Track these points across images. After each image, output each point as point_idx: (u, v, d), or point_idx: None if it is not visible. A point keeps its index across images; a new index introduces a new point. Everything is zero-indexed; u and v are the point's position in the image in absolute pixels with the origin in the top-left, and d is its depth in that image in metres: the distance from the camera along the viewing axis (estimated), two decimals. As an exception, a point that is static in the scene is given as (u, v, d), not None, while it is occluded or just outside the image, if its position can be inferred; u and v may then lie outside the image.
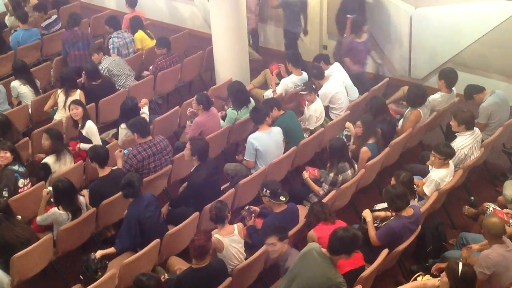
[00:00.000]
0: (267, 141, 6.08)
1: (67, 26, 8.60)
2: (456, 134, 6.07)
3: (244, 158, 6.19)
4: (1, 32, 9.10)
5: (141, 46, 8.61)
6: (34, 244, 4.98)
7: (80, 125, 6.52)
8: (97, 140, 6.48)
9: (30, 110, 7.35)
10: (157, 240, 5.04)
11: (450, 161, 5.63)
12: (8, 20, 9.52)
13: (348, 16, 7.82)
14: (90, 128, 6.51)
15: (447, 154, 5.53)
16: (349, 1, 8.07)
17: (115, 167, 5.92)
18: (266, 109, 6.18)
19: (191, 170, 5.69)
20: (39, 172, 6.17)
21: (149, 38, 8.68)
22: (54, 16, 9.51)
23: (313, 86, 6.77)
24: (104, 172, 5.66)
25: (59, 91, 7.13)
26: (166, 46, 7.96)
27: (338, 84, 7.04)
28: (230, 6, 7.58)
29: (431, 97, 6.71)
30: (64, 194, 5.30)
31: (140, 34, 8.63)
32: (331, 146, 5.70)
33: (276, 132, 6.22)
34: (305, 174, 5.90)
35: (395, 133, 6.43)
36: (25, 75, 7.45)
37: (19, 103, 7.50)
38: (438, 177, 5.51)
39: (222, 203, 4.95)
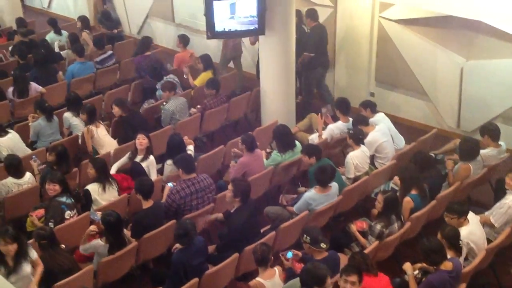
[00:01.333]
0: (323, 202, 6.02)
1: (138, 51, 8.88)
2: (506, 190, 5.90)
3: (294, 209, 6.10)
4: (58, 64, 9.47)
5: (199, 84, 8.78)
6: (76, 274, 5.04)
7: (141, 156, 6.66)
8: (154, 174, 6.57)
9: (79, 141, 7.54)
10: (195, 280, 5.02)
11: (470, 216, 5.46)
12: (66, 53, 9.89)
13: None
14: (153, 162, 6.67)
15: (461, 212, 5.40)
16: None
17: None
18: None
19: (232, 211, 5.69)
20: (82, 200, 6.28)
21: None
22: (109, 52, 9.84)
23: (360, 136, 6.73)
24: (147, 204, 5.74)
25: (90, 127, 7.27)
26: (215, 88, 8.08)
27: (384, 133, 6.98)
28: (280, 50, 7.70)
29: (482, 152, 6.57)
30: (113, 228, 5.36)
31: (208, 74, 8.77)
32: (387, 199, 5.58)
33: (334, 194, 6.11)
34: (353, 227, 5.81)
35: (442, 187, 6.32)
36: (78, 107, 7.67)
37: (70, 133, 7.71)
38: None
39: (267, 245, 4.92)
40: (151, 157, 6.70)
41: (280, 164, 6.79)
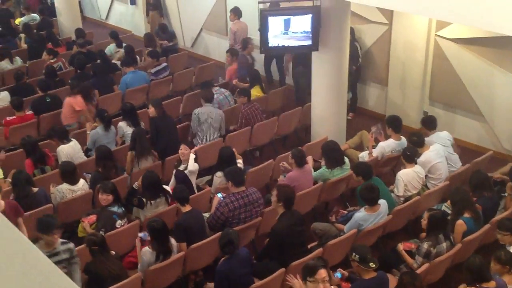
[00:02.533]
0: (373, 222, 5.95)
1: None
2: None
3: (344, 229, 6.02)
4: (114, 74, 9.72)
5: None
6: (124, 281, 5.11)
7: (185, 165, 6.76)
8: (193, 181, 6.68)
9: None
10: (240, 291, 5.02)
11: None
12: (119, 63, 10.12)
13: None
14: (194, 166, 6.76)
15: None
16: None
17: (208, 214, 6.03)
18: (375, 192, 5.95)
19: (277, 218, 5.68)
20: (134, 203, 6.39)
21: (262, 92, 8.95)
22: (164, 64, 10.04)
23: (413, 154, 6.61)
24: (186, 209, 5.84)
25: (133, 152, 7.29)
26: (246, 95, 8.18)
27: (438, 154, 6.82)
28: (332, 66, 7.68)
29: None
30: (157, 234, 5.44)
31: (256, 89, 8.83)
32: (431, 217, 5.48)
33: (384, 212, 6.02)
34: (400, 247, 5.70)
35: (497, 210, 6.12)
36: (132, 117, 7.83)
37: (123, 142, 7.88)
38: None
39: (321, 259, 4.88)
40: (191, 164, 6.75)
41: (328, 180, 6.74)
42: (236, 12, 10.22)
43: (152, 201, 6.24)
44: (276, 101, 9.09)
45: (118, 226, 5.93)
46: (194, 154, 6.91)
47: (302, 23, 7.49)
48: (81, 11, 13.59)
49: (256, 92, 8.86)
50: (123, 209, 6.08)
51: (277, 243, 5.55)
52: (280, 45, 7.61)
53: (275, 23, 7.51)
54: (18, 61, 10.35)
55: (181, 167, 6.80)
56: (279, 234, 5.53)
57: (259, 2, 7.70)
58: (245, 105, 8.15)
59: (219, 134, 7.97)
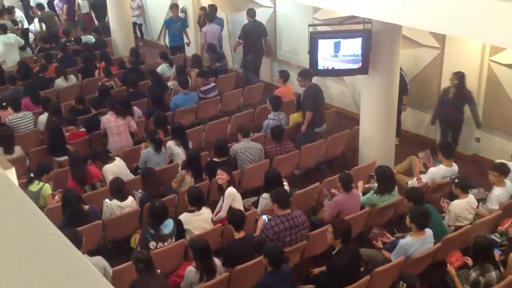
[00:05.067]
0: (419, 249, 5.81)
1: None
2: None
3: (391, 257, 5.88)
4: (163, 93, 9.90)
5: (291, 124, 8.80)
6: (168, 300, 5.15)
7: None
8: (240, 207, 6.66)
9: (180, 169, 7.77)
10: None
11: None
12: (172, 84, 10.32)
13: None
14: (233, 194, 6.72)
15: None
16: None
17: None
18: (428, 218, 5.85)
19: (333, 253, 5.60)
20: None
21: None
22: (213, 84, 10.17)
23: (468, 184, 6.44)
24: (239, 235, 5.79)
25: (184, 172, 7.37)
26: (279, 137, 7.98)
27: (509, 192, 6.62)
28: (382, 90, 7.61)
29: None
30: (200, 254, 5.46)
31: (299, 115, 8.78)
32: (475, 244, 5.35)
33: (430, 238, 5.89)
34: (452, 271, 5.53)
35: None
36: (181, 136, 7.93)
37: (171, 161, 7.98)
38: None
39: None
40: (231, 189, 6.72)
41: (376, 205, 6.64)
42: (208, 17, 11.52)
43: (190, 215, 6.27)
44: (327, 124, 9.02)
45: (152, 248, 5.96)
46: (227, 184, 6.75)
47: (353, 46, 7.47)
48: (135, 31, 13.94)
49: (298, 117, 8.82)
50: (163, 232, 6.10)
51: (335, 279, 5.49)
52: (330, 67, 7.60)
53: (325, 46, 7.52)
54: (72, 79, 10.67)
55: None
56: (338, 269, 5.47)
57: (310, 25, 7.73)
58: (275, 145, 7.95)
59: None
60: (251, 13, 10.97)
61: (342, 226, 5.51)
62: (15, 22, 13.30)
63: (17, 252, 1.46)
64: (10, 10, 13.28)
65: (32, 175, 7.06)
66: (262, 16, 11.48)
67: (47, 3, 15.58)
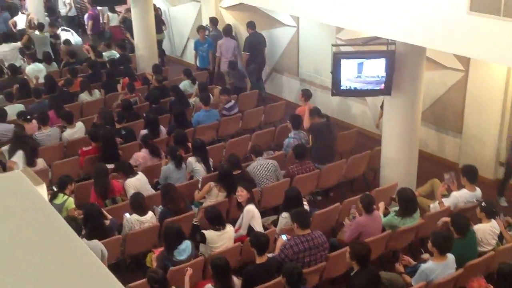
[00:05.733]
0: (440, 274, 5.73)
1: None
2: None
3: (412, 283, 5.79)
4: (185, 110, 9.96)
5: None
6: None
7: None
8: (259, 226, 6.63)
9: (199, 185, 7.80)
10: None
11: None
12: (194, 100, 10.39)
13: None
14: (252, 212, 6.71)
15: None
16: None
17: (271, 255, 5.98)
18: (450, 242, 5.76)
19: (351, 274, 5.54)
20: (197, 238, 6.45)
21: None
22: (233, 101, 10.21)
23: (494, 209, 6.35)
24: (261, 259, 5.74)
25: (212, 184, 7.40)
26: (301, 156, 7.94)
27: None
28: (405, 111, 7.58)
29: None
30: (219, 271, 5.44)
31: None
32: (499, 270, 5.28)
33: (451, 264, 5.80)
34: None
35: None
36: (202, 153, 7.97)
37: (191, 177, 8.01)
38: None
39: None
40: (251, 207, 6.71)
41: (397, 228, 6.56)
42: (224, 32, 11.91)
43: (215, 234, 6.25)
44: (346, 144, 9.00)
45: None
46: (246, 203, 6.74)
47: (376, 67, 7.46)
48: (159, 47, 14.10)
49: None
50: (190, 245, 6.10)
51: None
52: (353, 88, 7.59)
53: (348, 66, 7.51)
54: (96, 93, 10.80)
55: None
56: None
57: (333, 45, 7.75)
58: (296, 165, 7.89)
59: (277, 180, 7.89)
60: (251, 25, 11.53)
61: (359, 248, 5.47)
62: (56, 37, 13.59)
63: (48, 267, 1.47)
64: (41, 26, 13.55)
65: (55, 188, 7.13)
66: (285, 35, 11.55)
67: (48, 9, 15.84)
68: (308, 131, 8.48)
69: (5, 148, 8.35)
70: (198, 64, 12.60)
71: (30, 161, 7.88)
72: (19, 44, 12.74)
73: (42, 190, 2.06)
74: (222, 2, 12.89)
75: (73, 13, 16.51)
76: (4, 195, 1.75)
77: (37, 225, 1.69)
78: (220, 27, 12.48)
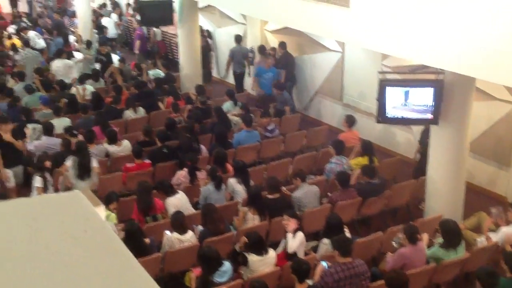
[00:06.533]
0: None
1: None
2: None
3: None
4: (227, 131, 10.01)
5: (354, 165, 8.67)
6: None
7: (290, 234, 6.69)
8: (302, 252, 6.57)
9: (239, 206, 7.78)
10: None
11: None
12: (236, 120, 10.43)
13: None
14: (303, 240, 6.66)
15: None
16: None
17: (311, 281, 5.89)
18: (496, 279, 5.56)
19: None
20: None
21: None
22: (273, 124, 10.20)
23: None
24: (301, 287, 5.66)
25: (245, 209, 7.38)
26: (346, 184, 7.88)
27: None
28: (452, 141, 7.44)
29: None
30: None
31: (364, 160, 8.66)
32: None
33: None
34: None
35: None
36: (243, 174, 7.96)
37: (231, 198, 8.00)
38: None
39: None
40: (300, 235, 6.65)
41: (441, 260, 6.39)
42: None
43: (258, 259, 6.20)
44: (389, 171, 8.87)
45: None
46: (293, 234, 6.68)
47: (423, 96, 7.35)
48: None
49: (363, 161, 8.68)
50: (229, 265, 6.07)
51: None
52: (399, 116, 7.49)
53: (394, 94, 7.43)
54: (141, 111, 10.97)
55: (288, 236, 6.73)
56: None
57: (379, 72, 7.69)
58: (339, 191, 7.82)
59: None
60: (282, 46, 12.21)
61: (394, 277, 5.35)
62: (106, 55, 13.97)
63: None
64: (89, 44, 13.92)
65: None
66: (329, 60, 11.55)
67: (97, 27, 16.23)
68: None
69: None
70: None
71: (81, 173, 8.05)
72: (71, 62, 13.09)
73: (101, 211, 2.07)
74: (267, 25, 13.00)
75: (113, 32, 16.88)
76: (64, 216, 1.77)
77: (96, 247, 1.69)
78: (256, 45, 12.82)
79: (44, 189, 7.81)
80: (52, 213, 1.78)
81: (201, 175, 8.31)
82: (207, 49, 13.91)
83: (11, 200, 1.95)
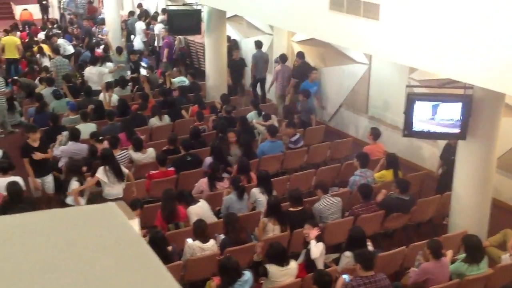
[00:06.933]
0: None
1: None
2: None
3: None
4: (253, 141, 10.02)
5: (378, 178, 8.61)
6: None
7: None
8: (322, 263, 6.52)
9: (261, 216, 7.76)
10: None
11: None
12: (261, 130, 10.44)
13: None
14: (323, 251, 6.61)
15: None
16: None
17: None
18: None
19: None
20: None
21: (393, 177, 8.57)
22: (299, 134, 10.18)
23: None
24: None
25: (265, 219, 7.33)
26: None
27: None
28: (479, 156, 7.34)
29: None
30: None
31: (389, 172, 8.58)
32: None
33: None
34: None
35: None
36: (266, 184, 7.95)
37: (254, 208, 7.99)
38: None
39: None
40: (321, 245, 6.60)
41: (464, 276, 6.28)
42: (281, 58, 12.52)
43: (279, 269, 6.17)
44: (414, 185, 8.75)
45: None
46: (316, 240, 6.64)
47: (451, 111, 7.27)
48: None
49: (387, 175, 8.60)
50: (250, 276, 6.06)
51: None
52: (426, 130, 7.41)
53: (422, 108, 7.37)
54: (166, 119, 11.05)
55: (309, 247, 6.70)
56: None
57: (407, 86, 7.63)
58: (361, 205, 7.72)
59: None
60: (300, 55, 12.35)
61: None
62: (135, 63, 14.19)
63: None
64: (119, 50, 14.13)
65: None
66: (355, 72, 11.51)
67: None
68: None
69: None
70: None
71: (115, 178, 8.05)
72: (105, 70, 13.25)
73: (135, 224, 2.08)
74: (294, 36, 13.02)
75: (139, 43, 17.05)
76: (98, 228, 1.78)
77: (130, 260, 1.70)
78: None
79: (80, 194, 7.88)
80: (86, 225, 1.80)
81: (224, 184, 8.34)
82: (242, 65, 13.61)
83: (46, 211, 1.97)
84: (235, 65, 13.44)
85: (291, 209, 7.45)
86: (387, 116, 10.89)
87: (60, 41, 15.74)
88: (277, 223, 7.26)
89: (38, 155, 8.48)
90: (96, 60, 13.47)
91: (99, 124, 10.42)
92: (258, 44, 13.26)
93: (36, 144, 8.54)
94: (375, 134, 9.46)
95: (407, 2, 7.22)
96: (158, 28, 16.49)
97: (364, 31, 7.81)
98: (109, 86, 11.97)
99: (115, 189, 8.07)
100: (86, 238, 1.74)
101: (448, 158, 8.48)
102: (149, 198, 8.61)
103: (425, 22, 6.90)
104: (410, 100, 7.33)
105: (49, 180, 8.78)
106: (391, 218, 7.77)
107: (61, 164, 9.12)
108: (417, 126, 7.38)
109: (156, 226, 7.28)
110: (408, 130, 7.49)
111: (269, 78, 13.14)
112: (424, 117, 7.35)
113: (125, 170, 8.32)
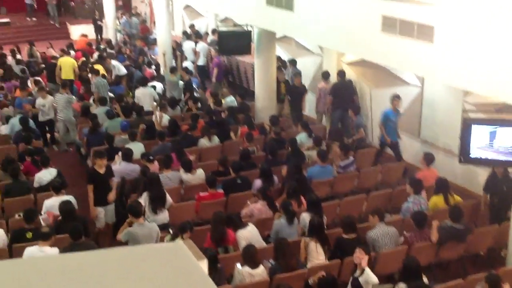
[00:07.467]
0: None
1: None
2: None
3: None
4: (302, 163, 9.91)
5: (431, 207, 8.35)
6: None
7: (359, 271, 6.49)
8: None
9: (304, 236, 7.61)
10: None
11: None
12: (310, 153, 10.33)
13: None
14: (369, 276, 6.44)
15: None
16: None
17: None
18: None
19: None
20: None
21: (446, 204, 8.26)
22: (352, 158, 10.01)
23: None
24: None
25: (307, 239, 7.20)
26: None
27: None
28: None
29: None
30: None
31: (439, 198, 8.34)
32: None
33: None
34: None
35: None
36: (316, 209, 7.83)
37: (304, 233, 7.86)
38: None
39: None
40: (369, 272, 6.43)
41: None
42: (323, 76, 12.58)
43: None
44: (468, 214, 8.45)
45: None
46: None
47: (510, 137, 7.00)
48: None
49: (439, 201, 8.31)
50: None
51: None
52: (484, 157, 7.16)
53: (479, 133, 7.13)
54: (215, 139, 11.09)
55: (357, 273, 6.52)
56: None
57: (464, 111, 7.40)
58: (415, 233, 7.47)
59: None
60: (341, 74, 12.31)
61: None
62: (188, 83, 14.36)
63: None
64: (173, 70, 14.38)
65: (171, 230, 7.29)
66: (407, 94, 11.27)
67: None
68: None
69: None
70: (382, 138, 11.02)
71: (155, 208, 8.02)
72: (153, 91, 13.44)
73: (204, 265, 2.04)
74: (344, 57, 12.90)
75: (202, 62, 17.12)
76: (165, 267, 1.74)
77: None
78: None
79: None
80: (154, 265, 1.77)
81: (258, 205, 8.21)
82: (303, 91, 13.07)
83: (117, 248, 1.95)
84: (296, 92, 12.96)
85: (345, 236, 7.28)
86: (440, 139, 10.59)
87: (113, 62, 16.10)
88: (319, 243, 7.11)
89: (111, 197, 8.48)
90: (146, 81, 13.68)
91: (148, 144, 10.53)
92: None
93: (102, 170, 8.50)
94: (428, 159, 9.19)
95: (462, 24, 7.03)
96: (200, 47, 16.69)
97: (417, 53, 7.65)
98: (162, 106, 12.11)
99: (159, 215, 8.06)
100: (156, 278, 1.71)
101: (494, 189, 8.14)
102: (198, 220, 8.60)
103: (481, 45, 6.70)
104: (468, 125, 7.15)
105: (111, 208, 8.64)
106: (447, 247, 7.50)
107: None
108: (474, 152, 7.13)
109: (206, 248, 7.25)
110: (464, 156, 7.26)
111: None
112: (482, 143, 7.11)
113: (170, 200, 8.31)
